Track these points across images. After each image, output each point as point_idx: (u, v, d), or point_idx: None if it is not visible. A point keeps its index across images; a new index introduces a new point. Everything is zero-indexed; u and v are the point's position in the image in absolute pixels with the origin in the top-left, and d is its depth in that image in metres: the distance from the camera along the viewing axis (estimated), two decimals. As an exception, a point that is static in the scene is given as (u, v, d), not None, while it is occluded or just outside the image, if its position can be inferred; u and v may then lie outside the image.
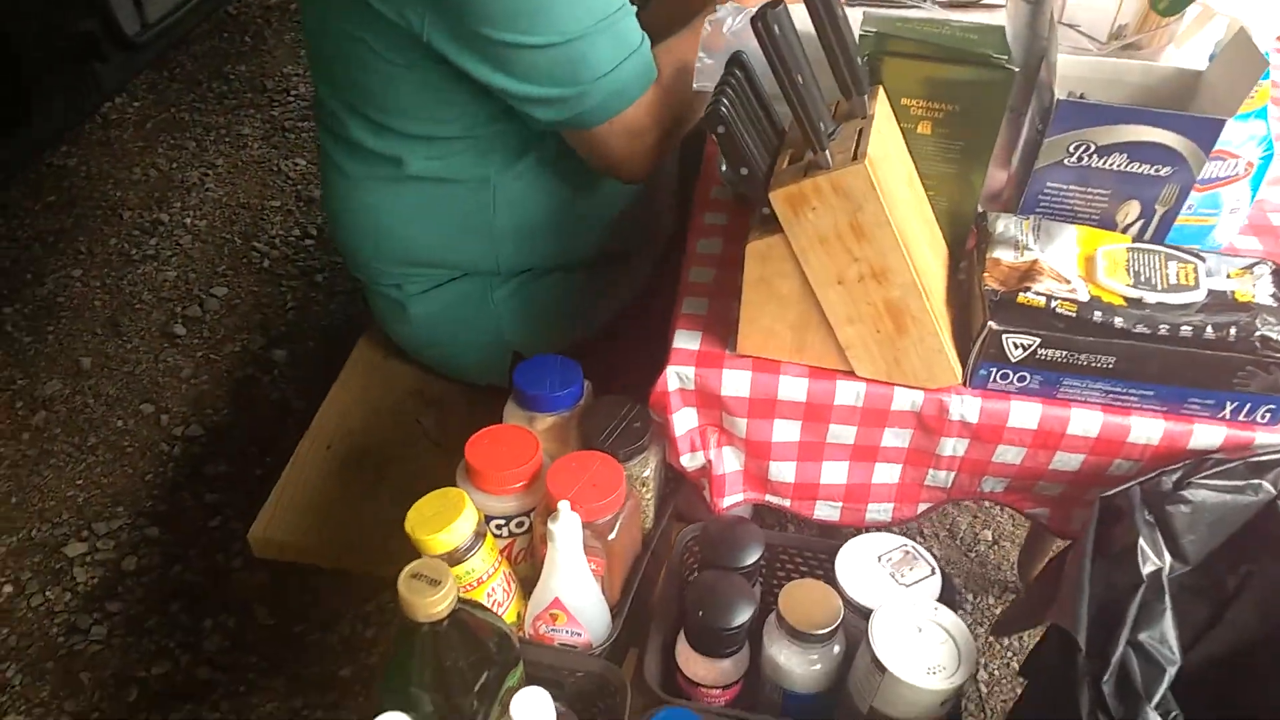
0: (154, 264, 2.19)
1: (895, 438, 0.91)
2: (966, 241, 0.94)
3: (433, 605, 0.68)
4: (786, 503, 0.98)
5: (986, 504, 1.74)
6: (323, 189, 1.22)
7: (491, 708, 0.76)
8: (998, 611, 1.58)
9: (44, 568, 1.59)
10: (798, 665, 0.84)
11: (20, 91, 2.09)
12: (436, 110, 1.04)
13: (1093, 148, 0.85)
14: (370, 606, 1.54)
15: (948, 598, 0.87)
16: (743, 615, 0.84)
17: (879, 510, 0.98)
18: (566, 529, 0.81)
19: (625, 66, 0.96)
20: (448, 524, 0.80)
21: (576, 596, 0.85)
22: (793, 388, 0.88)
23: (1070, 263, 0.86)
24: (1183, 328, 0.81)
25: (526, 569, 0.93)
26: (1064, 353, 0.83)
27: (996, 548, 1.70)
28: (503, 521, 0.90)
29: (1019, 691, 1.46)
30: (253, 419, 1.84)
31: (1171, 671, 0.71)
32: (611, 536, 0.86)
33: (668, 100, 1.02)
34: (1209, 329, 0.80)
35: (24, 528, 1.65)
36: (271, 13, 3.04)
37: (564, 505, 0.81)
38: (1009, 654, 1.52)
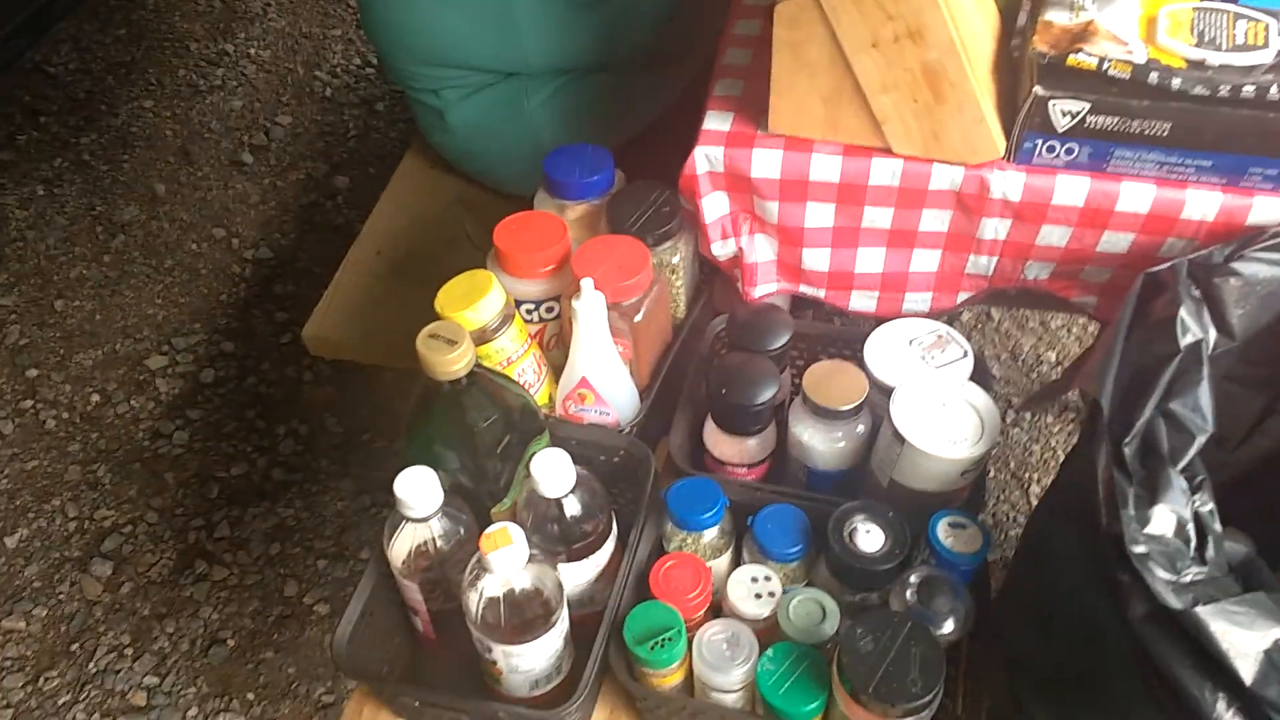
0: (221, 94, 2.21)
1: (934, 220, 0.88)
2: (1019, 10, 0.88)
3: (450, 364, 0.70)
4: (821, 293, 0.96)
5: (1052, 325, 1.69)
6: (359, 2, 1.21)
7: (517, 469, 0.78)
8: (1055, 430, 1.56)
9: (128, 379, 1.69)
10: (821, 443, 0.85)
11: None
12: None
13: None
14: (432, 417, 1.60)
15: (981, 380, 0.86)
16: (766, 393, 0.84)
17: (917, 300, 0.96)
18: (590, 306, 0.81)
19: None
20: (474, 301, 0.81)
21: (603, 376, 0.86)
22: (826, 167, 0.85)
23: (1130, 24, 0.80)
24: (1245, 88, 0.75)
25: (558, 356, 0.95)
26: (1116, 119, 0.78)
27: (1059, 370, 1.66)
28: (532, 306, 0.91)
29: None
30: (317, 242, 1.88)
31: (1201, 440, 0.69)
32: (638, 319, 0.87)
33: None
34: (1274, 88, 0.74)
35: (108, 342, 1.74)
36: None
37: (587, 283, 0.81)
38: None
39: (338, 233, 1.89)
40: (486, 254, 0.91)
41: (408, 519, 0.73)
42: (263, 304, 1.79)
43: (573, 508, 0.75)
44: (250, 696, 1.34)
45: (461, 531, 0.75)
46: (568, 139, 1.20)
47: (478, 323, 0.82)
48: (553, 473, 0.73)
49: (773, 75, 0.82)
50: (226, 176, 2.02)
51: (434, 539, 0.74)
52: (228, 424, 1.63)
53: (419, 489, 0.71)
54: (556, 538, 0.76)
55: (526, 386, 0.88)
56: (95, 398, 1.67)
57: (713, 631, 0.74)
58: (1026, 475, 1.47)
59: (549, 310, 0.91)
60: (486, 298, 0.81)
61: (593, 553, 0.78)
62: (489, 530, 0.69)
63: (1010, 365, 1.68)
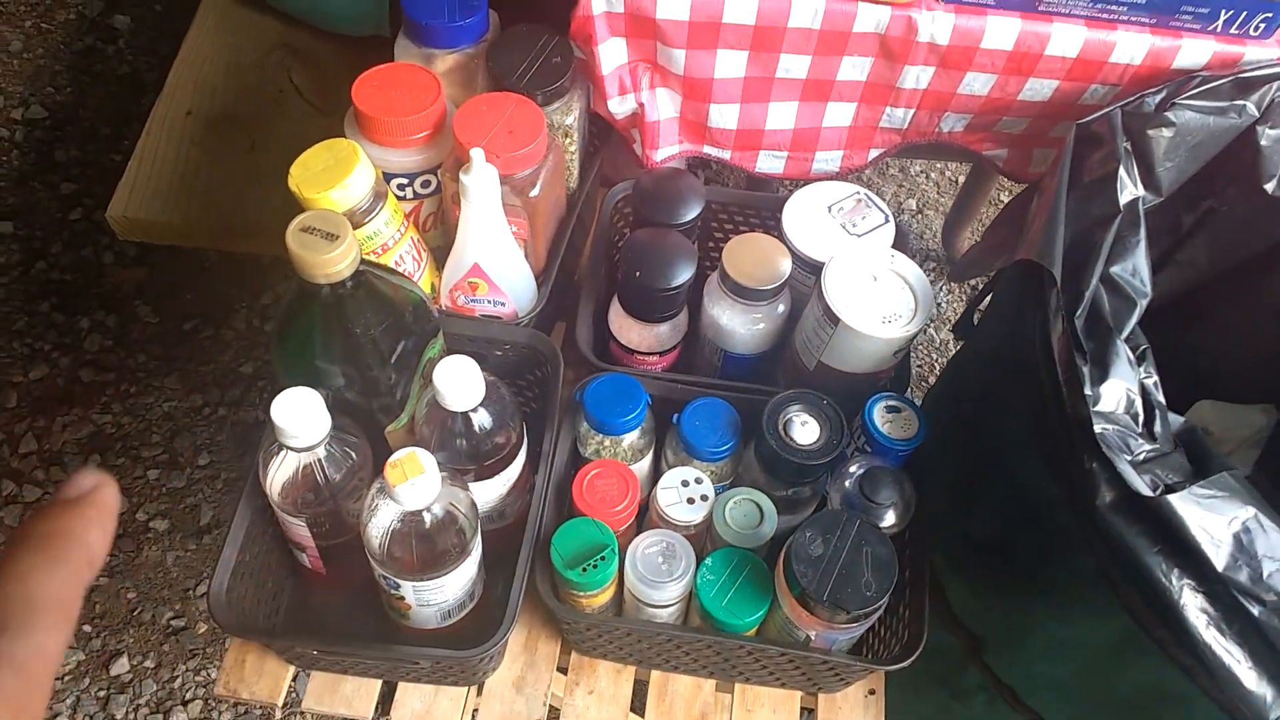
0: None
1: (853, 69, 0.79)
2: None
3: (332, 263, 0.57)
4: (726, 154, 0.87)
5: (912, 170, 1.68)
6: None
7: (413, 379, 0.68)
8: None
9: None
10: (740, 325, 0.78)
11: None
12: None
13: None
14: (266, 299, 1.43)
15: (901, 245, 0.80)
16: (683, 274, 0.76)
17: (827, 159, 0.89)
18: (481, 181, 0.69)
19: None
20: (340, 180, 0.67)
21: (497, 262, 0.75)
22: (740, 7, 0.74)
23: None
24: (1191, -81, 0.69)
25: (437, 237, 0.82)
26: (1056, -50, 0.71)
27: (921, 216, 1.66)
28: (405, 180, 0.77)
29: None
30: (101, 96, 1.60)
31: (1142, 305, 0.67)
32: (534, 193, 0.75)
33: None
34: (1224, -82, 0.69)
35: None
36: None
37: (477, 154, 0.69)
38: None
39: (124, 84, 1.62)
40: (322, 112, 0.76)
41: (290, 449, 0.61)
42: (42, 174, 1.52)
43: (482, 421, 0.65)
44: (87, 629, 1.20)
45: (354, 457, 0.65)
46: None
47: (345, 205, 0.68)
48: (459, 384, 0.62)
49: (681, -104, 0.70)
50: (-27, 18, 1.67)
51: (322, 468, 0.63)
52: (17, 319, 1.40)
53: (302, 414, 0.59)
54: (465, 455, 0.66)
55: (406, 276, 0.75)
56: None
57: (646, 545, 0.68)
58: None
59: (424, 185, 0.78)
60: (354, 174, 0.68)
61: (505, 468, 0.69)
62: (394, 458, 0.59)
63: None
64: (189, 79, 1.07)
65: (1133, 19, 0.75)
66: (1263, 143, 0.76)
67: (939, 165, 1.68)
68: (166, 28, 1.67)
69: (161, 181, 1.00)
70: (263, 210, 0.99)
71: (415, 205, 0.79)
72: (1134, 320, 0.67)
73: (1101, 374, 0.62)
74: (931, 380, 1.46)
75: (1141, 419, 0.62)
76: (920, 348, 1.47)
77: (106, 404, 1.34)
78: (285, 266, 0.59)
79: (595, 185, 0.91)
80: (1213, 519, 0.56)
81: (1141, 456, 0.61)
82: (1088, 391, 0.61)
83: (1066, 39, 0.75)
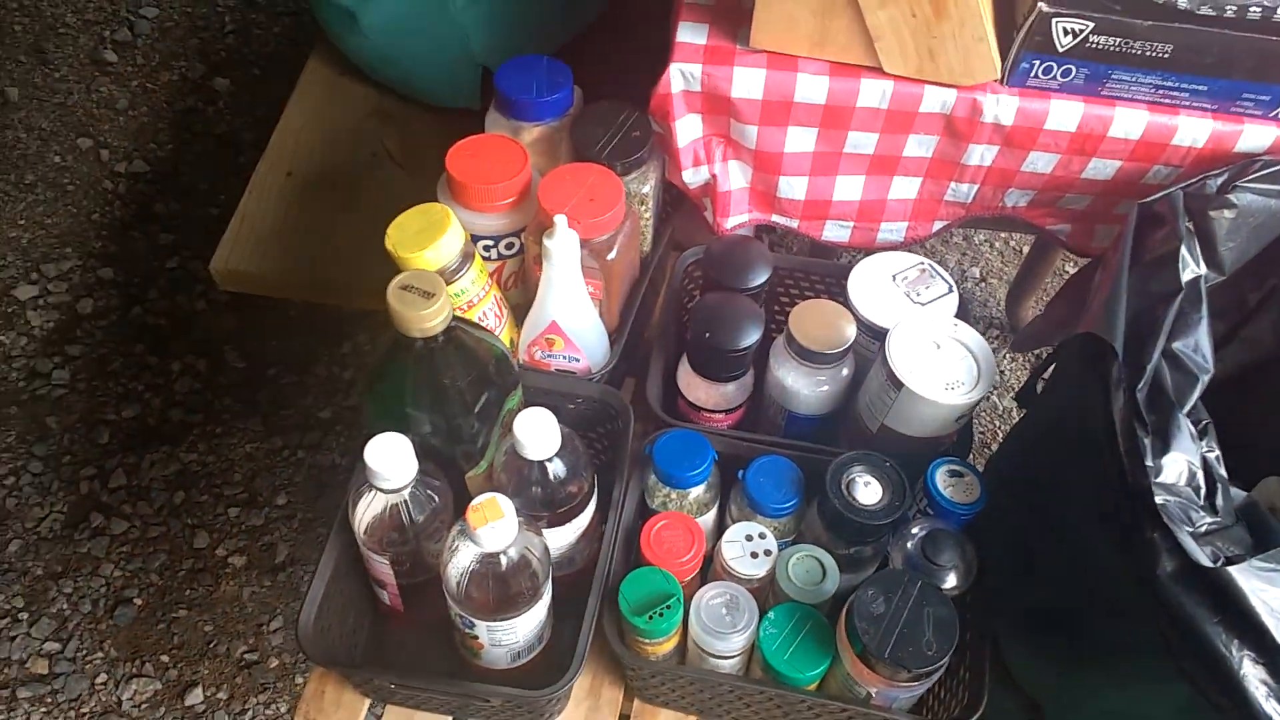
0: (71, -18, 1.95)
1: (919, 146, 0.83)
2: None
3: (427, 319, 0.62)
4: (794, 223, 0.91)
5: (975, 239, 1.69)
6: None
7: (493, 428, 0.72)
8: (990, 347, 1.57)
9: (-2, 313, 1.51)
10: (805, 387, 0.80)
11: None
12: None
13: None
14: (346, 348, 1.49)
15: (964, 315, 0.83)
16: (750, 336, 0.79)
17: (892, 230, 0.92)
18: (563, 246, 0.74)
19: None
20: (433, 241, 0.72)
21: (574, 320, 0.79)
22: (812, 87, 0.79)
23: (1133, -62, 0.75)
24: (1251, 9, 0.72)
25: (517, 295, 0.87)
26: (1118, 40, 0.74)
27: (984, 285, 1.67)
28: (491, 242, 0.82)
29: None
30: (200, 153, 1.70)
31: (1204, 380, 0.68)
32: (611, 256, 0.80)
33: None
34: (1281, 11, 0.71)
35: (-34, 272, 1.55)
36: None
37: (560, 220, 0.74)
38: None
39: (221, 143, 1.72)
40: (411, 175, 0.81)
41: (379, 490, 0.65)
42: (143, 224, 1.62)
43: (557, 470, 0.69)
44: (164, 659, 1.25)
45: (436, 500, 0.69)
46: (498, 41, 1.09)
47: (437, 264, 0.73)
48: (537, 434, 0.66)
49: (758, -15, 0.75)
50: (89, 78, 1.79)
51: (407, 509, 0.67)
52: (113, 360, 1.48)
53: (392, 458, 0.64)
54: (540, 502, 0.70)
55: (490, 331, 0.80)
56: (-44, 335, 1.49)
57: (710, 596, 0.70)
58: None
59: (508, 247, 0.83)
60: (445, 236, 0.73)
61: (577, 515, 0.72)
62: (476, 502, 0.62)
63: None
64: (290, 142, 1.15)
65: (1194, 104, 0.78)
66: (1326, 223, 0.77)
67: (1003, 234, 1.69)
68: (262, 91, 1.77)
69: (261, 237, 1.07)
70: (351, 267, 1.06)
71: (499, 265, 0.84)
72: (1196, 395, 0.68)
73: (1163, 446, 0.63)
74: (994, 447, 1.46)
75: (1203, 492, 0.64)
76: (983, 414, 1.48)
77: (193, 443, 1.40)
78: (365, 319, 0.64)
79: (667, 249, 0.96)
80: (1273, 591, 0.57)
81: (1203, 529, 0.62)
82: (1149, 463, 0.62)
83: (1129, 122, 0.78)
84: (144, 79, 1.80)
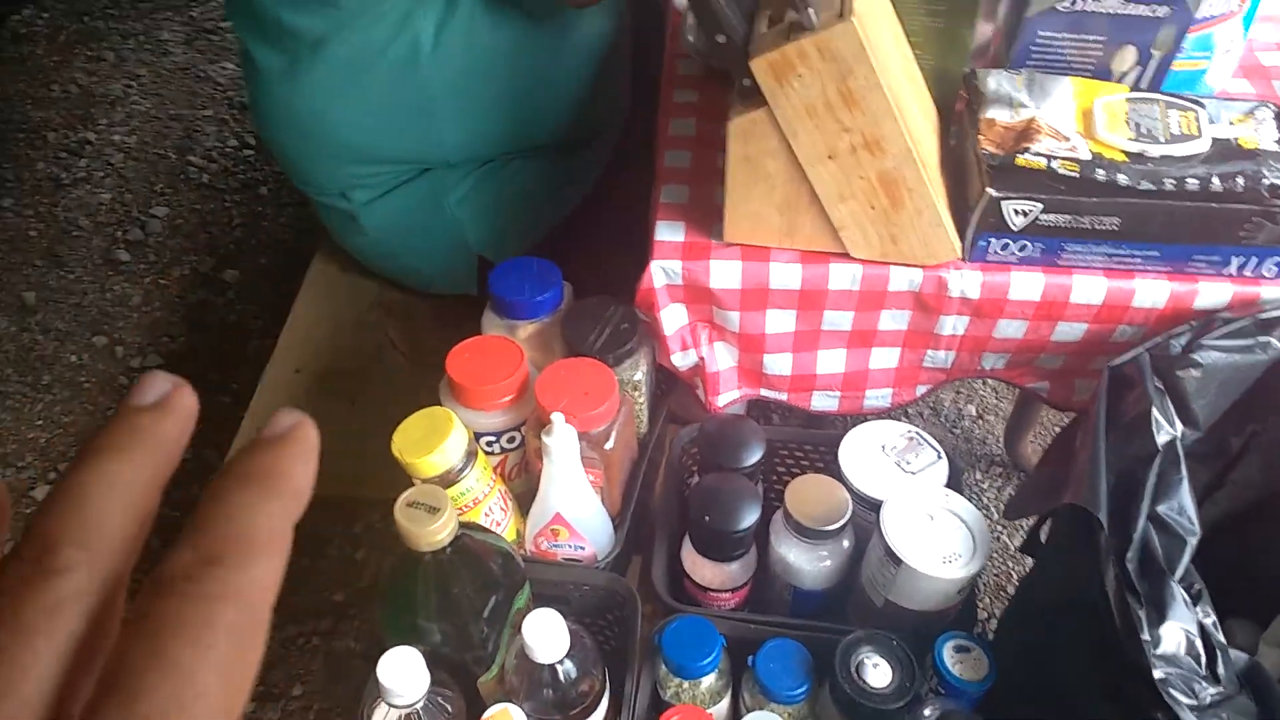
0: (86, 187, 2.06)
1: (893, 320, 0.87)
2: (955, 104, 0.89)
3: (434, 534, 0.64)
4: (783, 396, 0.95)
5: (969, 379, 1.73)
6: (247, 92, 1.13)
7: (503, 631, 0.73)
8: (985, 485, 1.59)
9: (13, 514, 1.54)
10: (807, 563, 0.82)
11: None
12: None
13: (1092, -9, 0.80)
14: (358, 528, 1.51)
15: (954, 482, 0.85)
16: (749, 517, 0.81)
17: (877, 396, 0.95)
18: (562, 442, 0.77)
19: None
20: (438, 445, 0.75)
21: (577, 510, 0.82)
22: (785, 275, 0.83)
23: (1068, 119, 0.82)
24: (1188, 181, 0.77)
25: (521, 485, 0.90)
26: (1067, 217, 0.79)
27: (981, 422, 1.70)
28: (493, 437, 0.86)
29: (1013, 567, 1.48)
30: (211, 344, 1.76)
31: (1192, 543, 0.70)
32: (608, 445, 0.83)
33: None
34: (1215, 180, 0.77)
35: (-15, 474, 1.59)
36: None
37: (558, 418, 0.77)
38: (999, 530, 1.53)
39: (231, 332, 1.78)
40: (415, 364, 0.85)
41: (392, 706, 0.67)
42: (156, 416, 1.66)
43: (568, 670, 0.70)
44: None
45: (449, 710, 0.69)
46: (491, 231, 1.16)
47: (442, 467, 0.76)
48: (546, 637, 0.68)
49: (727, 188, 0.80)
50: (102, 278, 1.88)
51: (420, 720, 0.68)
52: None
53: (405, 674, 0.65)
54: (551, 704, 0.71)
55: (494, 526, 0.82)
56: (-26, 539, 1.51)
57: (728, 786, 0.70)
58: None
59: (510, 440, 0.86)
60: (450, 439, 0.76)
61: (588, 715, 0.73)
62: (489, 714, 0.63)
63: (934, 422, 1.71)
64: (297, 339, 1.20)
65: (1149, 268, 0.82)
66: (1294, 371, 0.80)
67: (993, 369, 1.73)
68: (270, 279, 1.85)
69: (271, 434, 1.11)
70: (360, 457, 1.08)
71: (502, 458, 0.87)
72: (1186, 559, 0.69)
73: (1158, 616, 0.65)
74: (1010, 590, 1.46)
75: (1204, 660, 0.64)
76: (995, 555, 1.48)
77: (206, 635, 1.41)
78: (378, 503, 0.66)
79: (665, 425, 0.99)
80: (1280, 763, 0.57)
81: (1207, 700, 0.63)
82: (1145, 636, 0.63)
83: (1089, 289, 0.82)
84: (156, 275, 1.89)
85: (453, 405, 0.84)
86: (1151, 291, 0.82)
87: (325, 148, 1.11)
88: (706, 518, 0.81)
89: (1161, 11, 0.81)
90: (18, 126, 2.18)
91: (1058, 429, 1.33)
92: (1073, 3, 0.82)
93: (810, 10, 0.69)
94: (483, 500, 0.81)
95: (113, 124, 2.20)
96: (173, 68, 2.34)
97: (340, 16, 0.99)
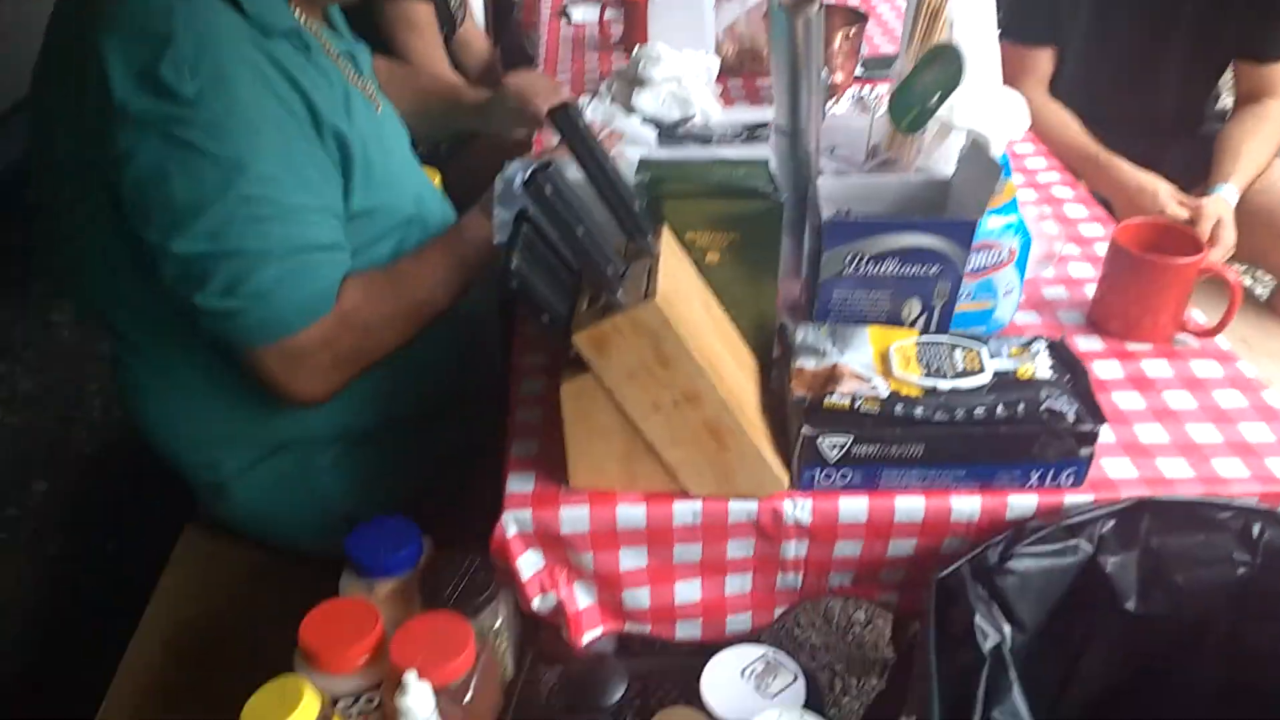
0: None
1: (739, 548, 0.92)
2: (774, 350, 0.98)
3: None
4: (647, 628, 0.97)
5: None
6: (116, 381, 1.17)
7: None
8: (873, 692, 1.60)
9: None
10: (675, 800, 0.82)
11: None
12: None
13: (866, 257, 0.92)
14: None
15: (814, 701, 0.87)
16: (612, 762, 0.82)
17: (738, 621, 0.98)
18: (417, 701, 0.77)
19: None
20: (287, 717, 0.75)
21: (437, 769, 0.81)
22: (631, 515, 0.88)
23: (867, 361, 0.91)
24: (976, 409, 0.86)
25: (384, 747, 0.88)
26: (876, 446, 0.86)
27: (871, 627, 1.73)
28: (350, 700, 0.85)
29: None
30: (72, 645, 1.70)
31: (1031, 748, 0.73)
32: (467, 699, 0.83)
33: (350, 323, 1.00)
34: (1000, 407, 0.86)
35: None
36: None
37: (410, 675, 0.78)
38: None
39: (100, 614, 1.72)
40: (290, 628, 0.85)
41: None
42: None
43: None
44: None
45: None
46: (360, 498, 1.18)
47: (292, 740, 0.75)
48: None
49: (567, 442, 0.86)
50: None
51: None
52: None
53: None
54: None
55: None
56: None
57: None
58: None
59: (369, 701, 0.86)
60: (299, 710, 0.76)
61: None
62: None
63: (825, 630, 1.73)
64: (165, 613, 1.18)
65: (960, 486, 0.89)
66: (1108, 569, 0.86)
67: (877, 583, 1.78)
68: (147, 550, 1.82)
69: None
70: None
71: (362, 721, 0.86)
72: (1024, 762, 0.72)
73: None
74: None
75: None
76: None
77: None
78: None
79: (534, 666, 0.99)
80: None
81: None
82: None
83: (909, 507, 0.89)
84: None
85: (307, 671, 0.83)
86: (966, 505, 0.89)
87: (186, 433, 1.13)
88: (570, 766, 0.81)
89: (933, 270, 0.93)
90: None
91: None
92: (855, 269, 0.93)
93: (619, 294, 0.78)
94: (340, 772, 0.79)
95: (-6, 402, 2.20)
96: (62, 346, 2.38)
97: (158, 326, 1.05)
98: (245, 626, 1.16)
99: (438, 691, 0.80)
